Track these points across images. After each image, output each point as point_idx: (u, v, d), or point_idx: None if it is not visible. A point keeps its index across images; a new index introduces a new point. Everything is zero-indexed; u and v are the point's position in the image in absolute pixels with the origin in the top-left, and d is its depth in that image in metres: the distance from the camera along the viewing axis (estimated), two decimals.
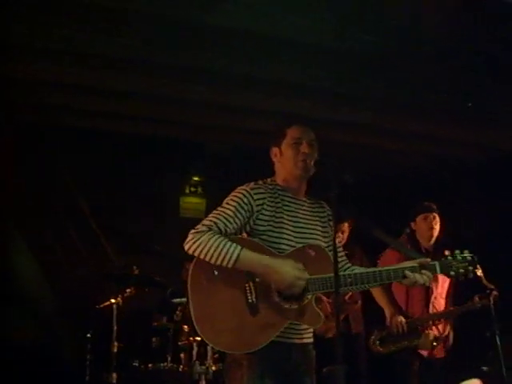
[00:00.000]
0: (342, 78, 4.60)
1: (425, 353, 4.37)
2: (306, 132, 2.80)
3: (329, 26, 3.88)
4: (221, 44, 4.13)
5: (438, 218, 4.57)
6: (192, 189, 7.51)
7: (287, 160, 2.77)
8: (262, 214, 2.66)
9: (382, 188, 6.52)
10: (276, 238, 2.66)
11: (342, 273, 2.69)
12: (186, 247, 2.58)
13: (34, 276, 5.62)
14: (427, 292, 4.38)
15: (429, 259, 2.74)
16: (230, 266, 2.51)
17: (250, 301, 2.56)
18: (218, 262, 2.52)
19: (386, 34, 3.97)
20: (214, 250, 2.51)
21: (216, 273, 2.57)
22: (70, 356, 5.35)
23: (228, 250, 2.51)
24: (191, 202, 7.48)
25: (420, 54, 4.20)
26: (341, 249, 2.93)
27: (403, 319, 4.32)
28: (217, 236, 2.55)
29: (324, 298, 4.54)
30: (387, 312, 4.40)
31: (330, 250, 2.67)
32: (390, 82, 4.66)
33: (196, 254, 2.56)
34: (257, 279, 2.57)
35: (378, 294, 4.42)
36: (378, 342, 4.42)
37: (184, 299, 4.54)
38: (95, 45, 4.12)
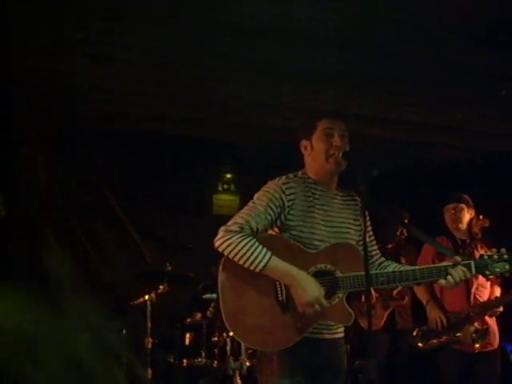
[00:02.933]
0: (370, 72, 4.55)
1: (467, 347, 4.20)
2: (336, 123, 2.73)
3: (360, 19, 3.85)
4: (254, 39, 4.12)
5: (465, 209, 4.38)
6: (225, 186, 7.55)
7: (318, 154, 2.71)
8: (293, 208, 2.63)
9: (419, 182, 6.45)
10: (307, 232, 2.63)
11: (373, 271, 2.66)
12: (216, 244, 2.57)
13: (68, 275, 5.70)
14: (467, 283, 4.19)
15: (459, 259, 2.66)
16: (257, 271, 2.50)
17: (280, 299, 2.55)
18: (246, 266, 2.51)
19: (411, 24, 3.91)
20: (244, 254, 2.49)
21: (246, 270, 2.55)
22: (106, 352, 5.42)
23: (257, 256, 2.49)
24: (224, 200, 7.51)
25: (454, 43, 4.13)
26: (374, 242, 2.87)
27: (442, 314, 4.23)
28: (248, 239, 2.52)
29: (372, 293, 4.50)
30: (426, 307, 4.31)
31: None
32: (417, 74, 4.60)
33: (225, 253, 2.55)
34: None
35: (417, 289, 4.35)
36: (418, 338, 4.34)
37: (215, 295, 4.56)
38: (129, 46, 4.16)
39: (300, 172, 2.78)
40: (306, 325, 2.55)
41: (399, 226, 5.08)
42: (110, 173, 6.57)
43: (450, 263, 2.62)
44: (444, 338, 4.24)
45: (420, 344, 4.32)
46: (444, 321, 4.20)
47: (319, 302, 2.50)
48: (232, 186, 7.52)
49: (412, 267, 2.68)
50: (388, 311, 4.94)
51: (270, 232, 2.68)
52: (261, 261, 2.48)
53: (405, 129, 5.66)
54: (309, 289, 2.49)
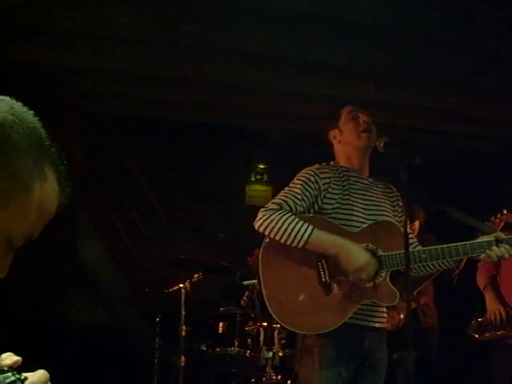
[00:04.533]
0: (407, 61, 4.50)
1: None
2: (359, 110, 2.78)
3: (393, 8, 3.80)
4: (287, 30, 4.10)
5: None
6: (258, 176, 7.55)
7: (349, 134, 2.74)
8: (329, 192, 2.62)
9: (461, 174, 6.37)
10: (346, 215, 2.61)
11: (415, 248, 2.63)
12: (257, 225, 2.54)
13: (103, 262, 5.78)
14: None
15: (503, 235, 2.62)
16: (300, 246, 2.46)
17: (323, 279, 2.51)
18: (289, 242, 2.47)
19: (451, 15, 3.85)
20: (285, 230, 2.46)
21: (288, 252, 2.54)
22: (140, 339, 5.49)
23: (300, 229, 2.45)
24: (257, 190, 7.51)
25: (487, 34, 4.05)
26: (411, 233, 2.85)
27: (502, 307, 4.08)
28: (288, 214, 2.50)
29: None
30: (487, 299, 4.20)
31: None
32: (456, 66, 4.52)
33: (266, 233, 2.52)
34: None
35: (481, 278, 4.23)
36: (475, 329, 4.23)
37: (254, 281, 4.55)
38: (158, 33, 4.17)
39: (332, 162, 2.79)
40: (351, 306, 2.51)
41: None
42: (144, 161, 6.61)
43: (492, 238, 2.58)
44: (501, 332, 4.08)
45: (476, 335, 4.19)
46: (503, 314, 4.07)
47: (371, 265, 2.48)
48: (265, 177, 7.52)
49: (454, 244, 2.64)
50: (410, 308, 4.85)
51: None
52: (303, 234, 2.45)
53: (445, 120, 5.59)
54: (357, 254, 2.47)
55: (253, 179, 7.52)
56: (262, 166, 7.52)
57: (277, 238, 2.50)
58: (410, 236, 2.79)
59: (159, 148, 6.75)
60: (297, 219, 2.50)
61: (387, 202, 2.78)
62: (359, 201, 2.67)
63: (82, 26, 4.08)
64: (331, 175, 2.67)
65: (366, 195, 2.71)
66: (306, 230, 2.47)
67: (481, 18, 3.88)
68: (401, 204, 2.80)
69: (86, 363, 4.83)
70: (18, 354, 0.93)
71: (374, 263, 2.50)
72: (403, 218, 2.75)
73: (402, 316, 4.70)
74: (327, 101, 5.03)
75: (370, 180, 2.79)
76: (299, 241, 2.47)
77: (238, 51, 4.45)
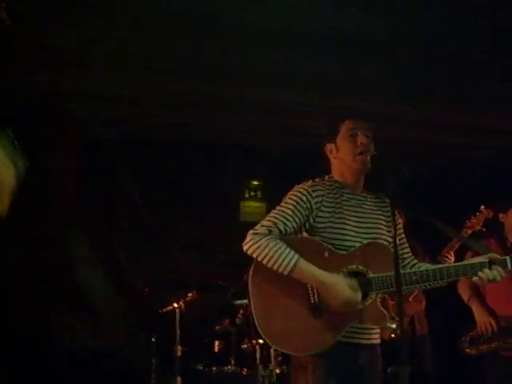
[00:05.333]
0: (400, 73, 4.52)
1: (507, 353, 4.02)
2: (360, 123, 2.74)
3: (383, 22, 3.83)
4: (276, 45, 4.12)
5: None
6: (252, 193, 7.52)
7: (345, 154, 2.71)
8: (321, 211, 2.61)
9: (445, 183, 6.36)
10: (338, 234, 2.61)
11: (406, 270, 2.61)
12: (245, 248, 2.58)
13: (98, 282, 5.75)
14: None
15: (496, 256, 2.60)
16: (285, 273, 2.49)
17: (312, 302, 2.52)
18: (275, 268, 2.50)
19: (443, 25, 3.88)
20: (271, 256, 2.49)
21: (277, 274, 2.54)
22: (136, 361, 5.44)
23: (284, 259, 2.47)
24: (251, 206, 7.49)
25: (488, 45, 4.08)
26: (406, 245, 2.83)
27: (492, 318, 4.04)
28: (276, 241, 2.52)
29: (388, 300, 4.42)
30: (475, 311, 4.14)
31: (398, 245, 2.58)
32: (455, 76, 4.55)
33: (254, 256, 2.55)
34: None
35: (463, 289, 4.19)
36: (466, 344, 4.18)
37: (245, 301, 4.53)
38: (153, 52, 4.19)
39: (326, 176, 2.78)
40: (340, 328, 2.51)
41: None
42: (138, 180, 6.60)
43: (485, 260, 2.56)
44: (494, 343, 4.05)
45: (468, 350, 4.13)
46: (494, 326, 4.02)
47: (353, 301, 2.48)
48: (259, 193, 7.49)
49: (446, 265, 2.63)
50: (408, 317, 4.84)
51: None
52: (288, 263, 2.47)
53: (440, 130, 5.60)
54: (340, 289, 2.46)
55: (247, 195, 7.50)
56: (255, 183, 7.51)
57: (264, 262, 2.53)
58: (406, 251, 2.78)
59: (153, 166, 6.74)
60: (283, 247, 2.51)
61: (381, 217, 2.76)
62: (352, 218, 2.67)
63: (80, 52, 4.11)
64: (324, 192, 2.66)
65: (358, 212, 2.70)
66: (290, 261, 2.48)
67: (479, 27, 3.89)
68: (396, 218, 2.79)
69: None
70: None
71: (356, 299, 2.49)
72: (401, 230, 2.76)
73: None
74: (323, 114, 5.03)
75: (364, 195, 2.78)
76: (284, 268, 2.49)
77: (231, 69, 4.47)
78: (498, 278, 2.54)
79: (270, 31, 3.93)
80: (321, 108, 5.01)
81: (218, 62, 4.34)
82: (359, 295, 2.50)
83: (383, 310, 2.55)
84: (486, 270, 2.52)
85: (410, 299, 4.81)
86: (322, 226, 2.61)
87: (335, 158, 2.76)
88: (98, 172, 6.30)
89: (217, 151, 6.52)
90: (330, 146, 2.78)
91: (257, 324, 2.54)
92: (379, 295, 2.56)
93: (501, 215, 4.25)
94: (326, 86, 4.70)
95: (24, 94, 4.70)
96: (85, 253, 5.82)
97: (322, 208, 2.62)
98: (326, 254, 2.55)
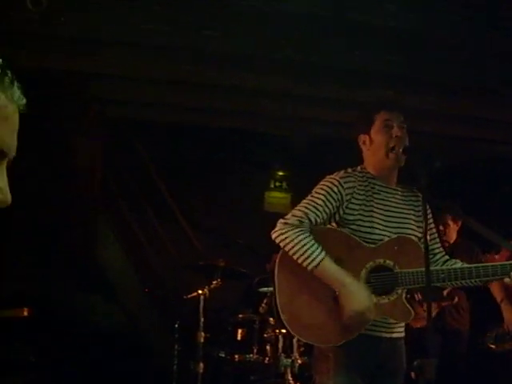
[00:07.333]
0: (426, 64, 4.46)
1: None
2: (395, 115, 2.66)
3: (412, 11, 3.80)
4: (304, 34, 4.10)
5: None
6: (277, 184, 7.54)
7: (378, 147, 2.64)
8: (351, 203, 2.58)
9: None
10: (367, 227, 2.57)
11: (435, 267, 2.58)
12: (273, 236, 2.56)
13: (122, 267, 5.80)
14: None
15: None
16: (308, 269, 2.47)
17: (337, 294, 2.50)
18: (299, 262, 2.48)
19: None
20: (298, 250, 2.47)
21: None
22: (159, 346, 5.49)
23: (310, 254, 2.45)
24: (276, 197, 7.50)
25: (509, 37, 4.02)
26: (437, 240, 2.78)
27: None
28: (305, 235, 2.49)
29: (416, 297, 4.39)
30: (504, 309, 4.15)
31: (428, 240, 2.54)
32: (477, 69, 4.48)
33: (281, 246, 2.54)
34: (345, 269, 2.50)
35: (493, 286, 4.18)
36: (491, 340, 4.18)
37: (270, 288, 4.53)
38: (181, 38, 4.19)
39: (359, 167, 2.73)
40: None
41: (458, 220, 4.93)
42: (163, 165, 6.64)
43: None
44: None
45: (493, 346, 4.16)
46: None
47: (368, 313, 2.45)
48: (284, 184, 7.50)
49: (475, 264, 2.60)
50: (437, 310, 4.80)
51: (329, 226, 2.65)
52: (313, 260, 2.45)
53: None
54: (357, 298, 2.44)
55: (272, 186, 7.51)
56: (281, 173, 7.51)
57: (290, 254, 2.51)
58: (436, 246, 2.74)
59: (179, 153, 6.77)
60: (311, 242, 2.49)
61: (411, 211, 2.72)
62: (381, 212, 2.63)
63: (105, 32, 4.13)
64: (355, 184, 2.62)
65: (388, 205, 2.66)
66: (315, 258, 2.46)
67: (502, 20, 3.85)
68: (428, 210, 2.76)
69: (104, 369, 4.84)
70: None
71: (373, 309, 2.46)
72: (432, 225, 2.72)
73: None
74: (348, 106, 5.01)
75: (397, 189, 2.73)
76: (308, 264, 2.47)
77: (258, 56, 4.46)
78: None
79: (287, 18, 3.91)
80: (349, 99, 4.98)
81: (243, 49, 4.32)
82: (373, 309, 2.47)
83: (408, 306, 2.53)
84: None
85: (445, 293, 4.77)
86: (352, 218, 2.57)
87: (368, 150, 2.70)
88: (121, 154, 6.36)
89: (244, 140, 6.53)
90: (363, 137, 2.71)
91: (280, 313, 2.52)
92: (405, 291, 2.55)
93: None
94: (352, 78, 4.67)
95: (48, 78, 4.73)
96: (107, 236, 5.87)
97: (353, 200, 2.58)
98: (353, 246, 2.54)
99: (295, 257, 2.48)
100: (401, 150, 2.60)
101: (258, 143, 6.62)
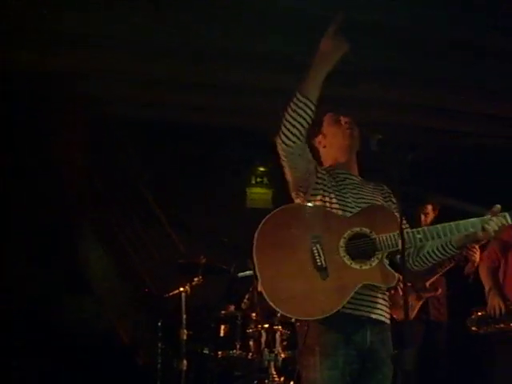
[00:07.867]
0: (420, 60, 4.51)
1: None
2: (341, 114, 2.84)
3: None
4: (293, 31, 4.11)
5: None
6: (258, 179, 7.54)
7: (333, 137, 2.79)
8: (324, 179, 2.67)
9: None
10: (338, 204, 2.63)
11: (411, 230, 2.62)
12: (279, 141, 2.65)
13: (103, 266, 5.78)
14: None
15: (497, 208, 2.60)
16: (300, 96, 2.55)
17: (319, 263, 2.48)
18: (290, 112, 2.55)
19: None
20: (289, 112, 2.55)
21: (282, 238, 2.54)
22: (142, 344, 5.48)
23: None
24: (258, 193, 7.50)
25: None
26: (407, 225, 2.83)
27: (502, 302, 4.15)
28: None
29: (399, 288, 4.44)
30: (491, 297, 4.23)
31: None
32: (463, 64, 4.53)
33: (285, 131, 2.59)
34: (324, 241, 2.53)
35: (481, 272, 4.31)
36: (474, 322, 4.27)
37: (249, 272, 4.55)
38: (168, 38, 4.20)
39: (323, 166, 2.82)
40: (347, 290, 2.48)
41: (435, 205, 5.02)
42: (144, 164, 6.62)
43: (486, 217, 2.58)
44: (501, 325, 4.15)
45: (474, 328, 4.25)
46: (503, 309, 4.12)
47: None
48: (265, 180, 7.50)
49: (448, 223, 2.63)
50: (421, 302, 4.87)
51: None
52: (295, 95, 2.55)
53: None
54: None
55: (253, 182, 7.51)
56: (262, 169, 7.51)
57: (288, 121, 2.57)
58: (406, 227, 2.78)
59: (158, 151, 6.75)
60: None
61: (379, 197, 2.78)
62: (351, 196, 2.68)
63: (93, 28, 4.12)
64: (326, 175, 2.71)
65: (356, 191, 2.73)
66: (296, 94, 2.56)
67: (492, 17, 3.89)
68: (394, 201, 2.81)
69: (87, 368, 4.83)
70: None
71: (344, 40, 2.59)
72: (398, 215, 2.75)
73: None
74: (329, 101, 5.00)
75: (360, 178, 2.82)
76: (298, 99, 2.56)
77: (241, 53, 4.47)
78: (504, 222, 2.56)
79: (282, 15, 3.92)
80: (327, 95, 4.99)
81: (229, 46, 4.34)
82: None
83: (391, 269, 2.54)
84: (490, 222, 2.54)
85: (427, 284, 4.83)
86: (323, 192, 2.65)
87: (324, 146, 2.83)
88: (103, 152, 6.33)
89: (222, 136, 6.52)
90: (318, 139, 2.85)
91: (263, 290, 2.49)
92: (385, 255, 2.57)
93: None
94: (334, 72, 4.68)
95: (34, 72, 4.70)
96: (88, 236, 5.85)
97: (325, 182, 2.67)
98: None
99: (290, 115, 2.55)
100: (355, 133, 2.74)
101: (239, 139, 6.61)
